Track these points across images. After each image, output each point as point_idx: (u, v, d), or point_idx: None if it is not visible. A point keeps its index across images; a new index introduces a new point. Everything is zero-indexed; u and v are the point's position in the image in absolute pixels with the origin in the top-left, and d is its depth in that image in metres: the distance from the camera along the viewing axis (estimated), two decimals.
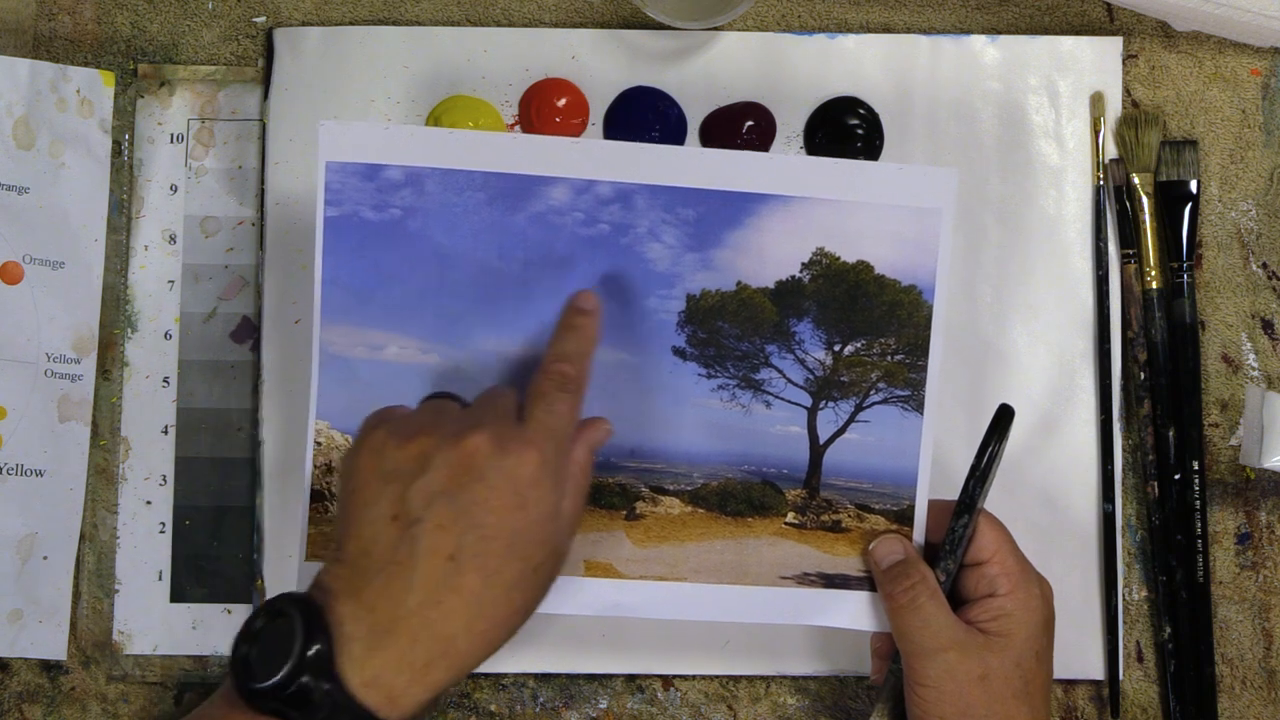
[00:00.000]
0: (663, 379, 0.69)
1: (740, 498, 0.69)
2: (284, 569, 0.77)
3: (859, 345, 0.68)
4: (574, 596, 0.69)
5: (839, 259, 0.68)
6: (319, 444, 0.68)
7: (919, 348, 0.68)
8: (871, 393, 0.68)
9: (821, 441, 0.69)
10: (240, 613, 0.79)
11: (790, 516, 0.69)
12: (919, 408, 0.68)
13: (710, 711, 0.79)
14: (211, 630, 0.79)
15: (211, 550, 0.79)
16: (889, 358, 0.68)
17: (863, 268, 0.68)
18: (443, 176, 0.67)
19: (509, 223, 0.68)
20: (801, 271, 0.68)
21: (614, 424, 0.67)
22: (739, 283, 0.68)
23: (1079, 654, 0.77)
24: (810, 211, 0.67)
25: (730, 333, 0.68)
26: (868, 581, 0.69)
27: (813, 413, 0.69)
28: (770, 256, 0.68)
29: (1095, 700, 0.78)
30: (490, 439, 0.60)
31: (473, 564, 0.58)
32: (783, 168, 0.67)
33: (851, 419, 0.69)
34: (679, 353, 0.68)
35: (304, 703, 0.57)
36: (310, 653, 0.57)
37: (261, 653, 0.58)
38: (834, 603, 0.69)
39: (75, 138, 0.80)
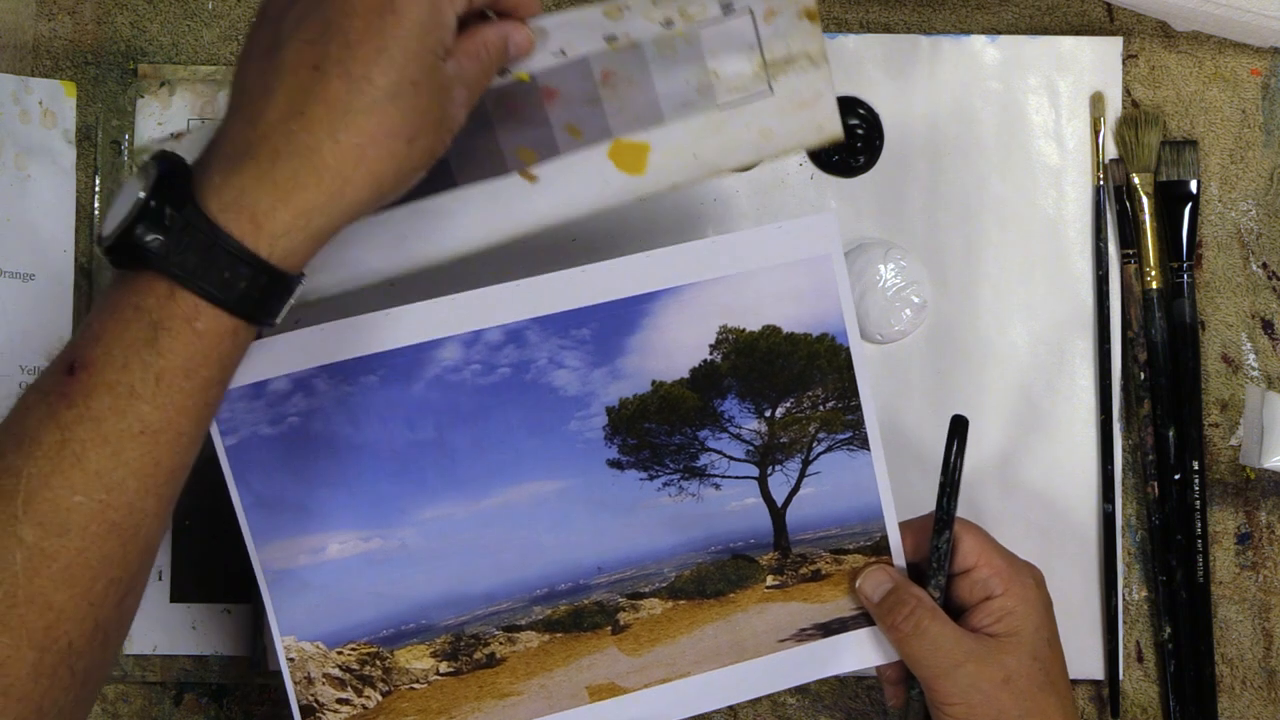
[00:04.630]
0: (607, 494, 0.67)
1: (717, 578, 0.68)
2: None
3: (789, 404, 0.67)
4: None
5: (745, 330, 0.67)
6: (292, 659, 0.66)
7: (848, 389, 0.67)
8: (814, 445, 0.68)
9: (780, 505, 0.68)
10: (240, 613, 0.79)
11: (770, 580, 0.68)
12: (864, 444, 0.67)
13: (710, 711, 0.79)
14: (211, 630, 0.79)
15: (211, 550, 0.79)
16: (821, 407, 0.67)
17: (771, 332, 0.67)
18: (329, 372, 0.65)
19: (409, 396, 0.66)
20: (712, 353, 0.67)
21: (571, 550, 0.67)
22: (654, 382, 0.67)
23: (1079, 654, 0.77)
24: (703, 294, 0.66)
25: (659, 431, 0.67)
26: (864, 618, 0.68)
27: (763, 480, 0.68)
28: (677, 348, 0.67)
29: (1095, 700, 0.78)
30: None
31: (336, 69, 0.55)
32: (661, 262, 0.66)
33: (802, 475, 0.68)
34: (615, 464, 0.67)
35: (161, 228, 0.54)
36: (163, 174, 0.54)
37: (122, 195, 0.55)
38: (838, 649, 0.68)
39: (40, 149, 0.80)
